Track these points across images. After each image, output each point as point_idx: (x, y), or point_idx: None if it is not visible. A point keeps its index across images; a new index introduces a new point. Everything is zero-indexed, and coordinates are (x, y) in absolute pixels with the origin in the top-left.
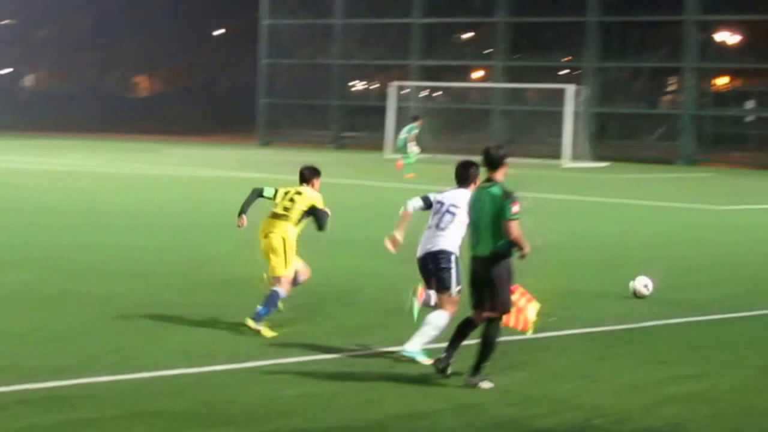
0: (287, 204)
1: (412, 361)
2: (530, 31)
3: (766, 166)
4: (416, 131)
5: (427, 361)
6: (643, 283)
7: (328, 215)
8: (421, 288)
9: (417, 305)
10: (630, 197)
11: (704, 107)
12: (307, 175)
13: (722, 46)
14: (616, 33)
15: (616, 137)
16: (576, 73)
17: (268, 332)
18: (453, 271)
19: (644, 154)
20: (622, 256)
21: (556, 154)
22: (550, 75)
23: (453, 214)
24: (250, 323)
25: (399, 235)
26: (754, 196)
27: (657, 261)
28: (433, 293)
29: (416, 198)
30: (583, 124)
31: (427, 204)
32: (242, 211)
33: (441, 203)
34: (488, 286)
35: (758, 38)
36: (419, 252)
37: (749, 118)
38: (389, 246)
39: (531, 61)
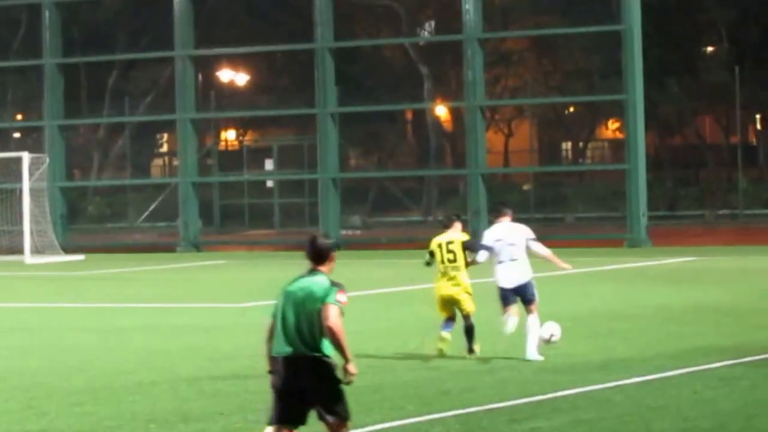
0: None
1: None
2: None
3: (296, 246)
4: None
5: (541, 357)
6: (549, 332)
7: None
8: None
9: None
10: (116, 299)
11: (208, 173)
12: None
13: (228, 88)
14: (77, 80)
15: (95, 219)
16: (34, 135)
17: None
18: (535, 287)
19: (134, 239)
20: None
21: (17, 248)
22: (2, 139)
23: (514, 244)
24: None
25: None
26: (279, 287)
27: (156, 384)
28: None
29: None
30: (47, 204)
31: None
32: None
33: (500, 240)
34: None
35: (271, 75)
36: (511, 284)
37: (270, 184)
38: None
39: None
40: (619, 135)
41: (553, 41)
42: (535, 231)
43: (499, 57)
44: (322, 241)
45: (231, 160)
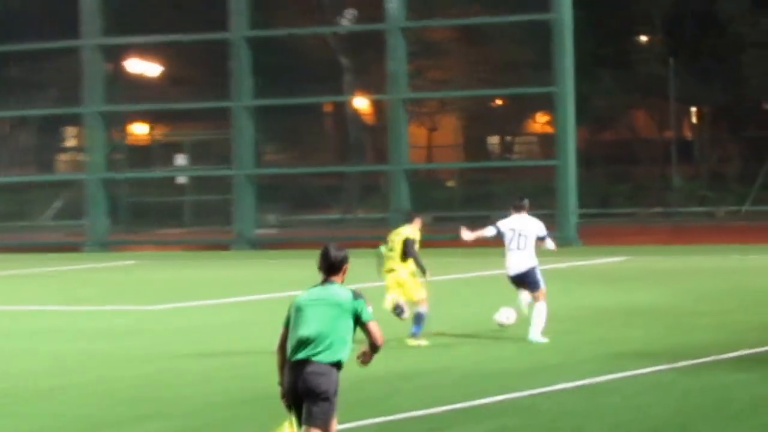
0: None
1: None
2: None
3: (209, 246)
4: None
5: (544, 339)
6: (505, 315)
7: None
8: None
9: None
10: (22, 301)
11: (119, 168)
12: None
13: (138, 80)
14: None
15: None
16: None
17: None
18: (540, 275)
19: (38, 238)
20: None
21: None
22: None
23: (526, 236)
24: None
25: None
26: (196, 288)
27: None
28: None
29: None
30: None
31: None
32: None
33: (513, 230)
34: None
35: (184, 66)
36: (513, 271)
37: (182, 180)
38: (464, 234)
39: None
40: (548, 129)
41: (480, 31)
42: (459, 230)
43: (424, 47)
44: (336, 253)
45: (141, 155)
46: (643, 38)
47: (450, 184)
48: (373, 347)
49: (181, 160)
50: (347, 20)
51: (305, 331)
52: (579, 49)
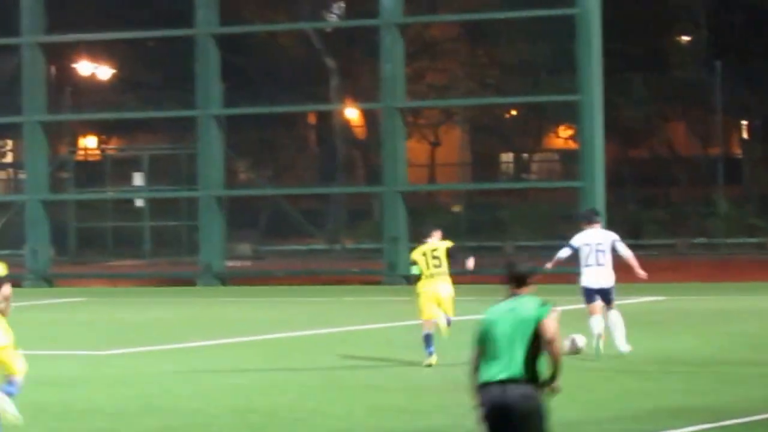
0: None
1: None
2: None
3: (170, 281)
4: None
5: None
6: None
7: None
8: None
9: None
10: None
11: (65, 188)
12: None
13: (87, 85)
14: None
15: None
16: None
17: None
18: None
19: None
20: None
21: None
22: None
23: (603, 251)
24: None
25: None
26: (154, 330)
27: None
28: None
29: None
30: None
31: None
32: None
33: (588, 245)
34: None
35: (141, 69)
36: (598, 285)
37: (139, 203)
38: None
39: None
40: (571, 145)
41: (489, 28)
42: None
43: (424, 47)
44: (522, 267)
45: (91, 173)
46: (684, 37)
47: (455, 209)
48: (550, 345)
49: (138, 179)
50: (334, 15)
51: (499, 349)
52: (608, 50)
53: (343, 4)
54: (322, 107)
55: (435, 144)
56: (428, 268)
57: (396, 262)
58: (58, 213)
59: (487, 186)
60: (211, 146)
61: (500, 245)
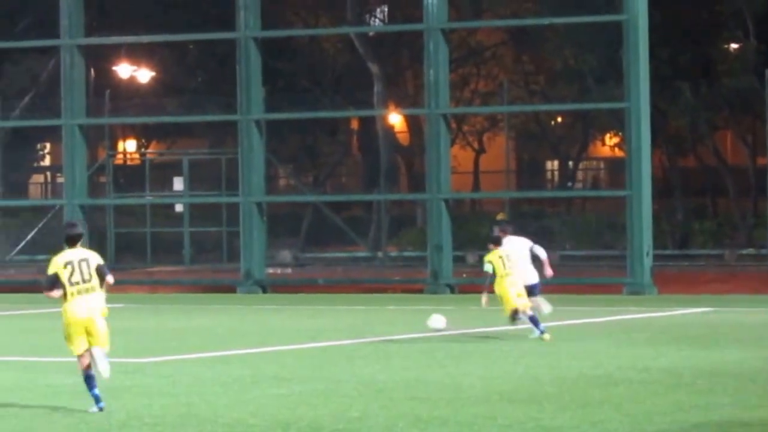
0: None
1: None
2: None
3: (210, 288)
4: None
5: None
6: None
7: None
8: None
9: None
10: None
11: (105, 192)
12: None
13: (128, 88)
14: None
15: None
16: None
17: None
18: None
19: (6, 276)
20: None
21: None
22: None
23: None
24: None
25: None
26: (193, 338)
27: None
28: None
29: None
30: None
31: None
32: None
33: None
34: None
35: (182, 72)
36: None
37: (179, 208)
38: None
39: None
40: (618, 153)
41: (536, 34)
42: None
43: (469, 53)
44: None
45: (130, 177)
46: (733, 45)
47: (500, 217)
48: None
49: (178, 184)
50: (378, 20)
51: None
52: (655, 57)
53: (386, 9)
54: (365, 113)
55: (480, 151)
56: (504, 268)
57: (439, 271)
58: (97, 218)
59: (532, 194)
60: (252, 151)
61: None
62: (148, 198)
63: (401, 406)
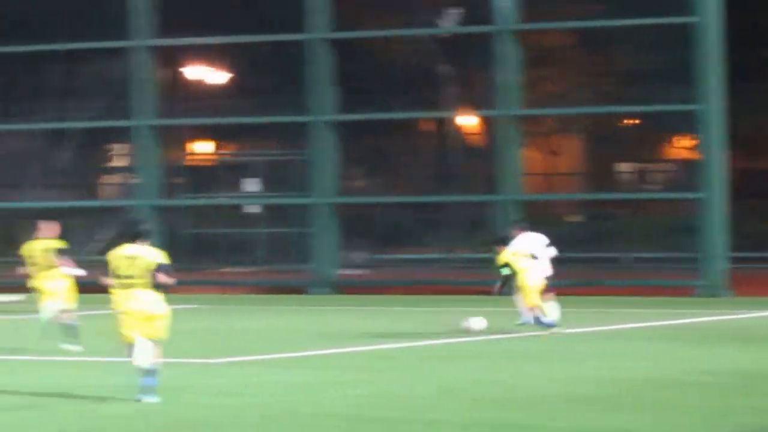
0: None
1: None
2: None
3: (282, 289)
4: None
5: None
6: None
7: None
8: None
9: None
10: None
11: (176, 193)
12: None
13: (198, 89)
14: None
15: None
16: None
17: None
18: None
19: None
20: None
21: None
22: None
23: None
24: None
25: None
26: (264, 339)
27: None
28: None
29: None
30: None
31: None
32: None
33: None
34: None
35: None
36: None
37: (252, 209)
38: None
39: None
40: (691, 155)
41: (606, 36)
42: (582, 274)
43: (540, 54)
44: None
45: (203, 178)
46: None
47: (571, 218)
48: None
49: (250, 185)
50: (450, 21)
51: None
52: (729, 58)
53: (459, 10)
54: (436, 114)
55: (552, 153)
56: (520, 263)
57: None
58: (169, 219)
59: (605, 196)
60: (324, 153)
61: (617, 256)
62: (221, 199)
63: (478, 409)
